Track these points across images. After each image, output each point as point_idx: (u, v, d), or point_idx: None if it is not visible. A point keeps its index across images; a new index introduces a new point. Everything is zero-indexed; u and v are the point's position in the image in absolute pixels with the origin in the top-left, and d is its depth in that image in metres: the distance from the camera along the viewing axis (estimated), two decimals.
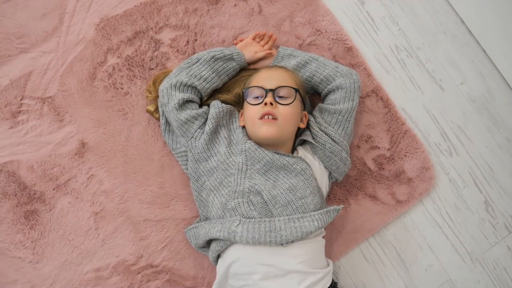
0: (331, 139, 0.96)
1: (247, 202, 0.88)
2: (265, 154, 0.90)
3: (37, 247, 0.99)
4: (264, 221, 0.86)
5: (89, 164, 1.02)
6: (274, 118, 0.89)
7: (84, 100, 1.05)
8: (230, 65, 1.02)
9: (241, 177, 0.90)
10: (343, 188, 1.06)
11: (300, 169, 0.90)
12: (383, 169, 1.07)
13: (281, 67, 1.00)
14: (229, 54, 1.00)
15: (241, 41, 1.06)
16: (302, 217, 0.87)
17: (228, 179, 0.92)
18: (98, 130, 1.04)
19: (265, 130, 0.88)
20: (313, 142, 0.95)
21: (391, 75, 1.14)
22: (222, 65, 1.00)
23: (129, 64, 1.07)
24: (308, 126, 0.98)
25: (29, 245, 0.99)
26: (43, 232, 0.99)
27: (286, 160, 0.90)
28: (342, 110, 0.97)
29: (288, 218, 0.86)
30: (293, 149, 0.99)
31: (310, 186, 0.90)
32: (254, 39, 1.04)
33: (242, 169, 0.91)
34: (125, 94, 1.06)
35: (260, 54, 1.03)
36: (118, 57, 1.07)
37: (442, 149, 1.12)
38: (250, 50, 1.04)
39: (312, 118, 0.98)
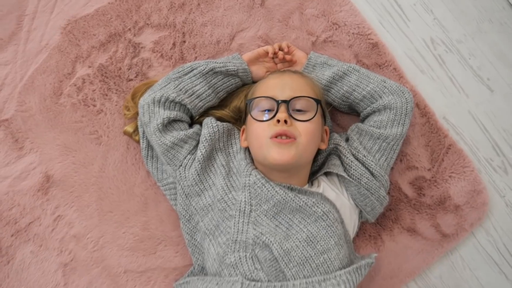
0: (370, 171, 0.71)
1: (251, 257, 0.64)
2: (276, 191, 0.66)
3: None
4: (274, 286, 0.61)
5: (55, 202, 0.80)
6: (291, 138, 0.65)
7: (48, 122, 0.82)
8: (232, 81, 0.77)
9: (243, 221, 0.67)
10: (374, 221, 0.82)
11: (322, 212, 0.65)
12: (424, 195, 0.83)
13: (295, 71, 0.75)
14: (234, 71, 0.76)
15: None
16: (324, 279, 0.62)
17: (227, 223, 0.68)
18: (65, 159, 0.81)
19: (278, 153, 0.64)
20: (345, 176, 0.70)
21: (428, 76, 0.90)
22: (221, 79, 0.76)
23: (102, 75, 0.84)
24: (337, 152, 0.73)
25: None
26: None
27: (303, 201, 0.66)
28: (388, 136, 0.72)
29: (305, 282, 0.61)
30: (314, 179, 0.74)
31: (334, 235, 0.65)
32: (274, 51, 0.79)
33: (244, 210, 0.67)
34: (98, 112, 0.83)
35: None
36: (89, 66, 0.84)
37: (495, 165, 0.87)
38: (260, 68, 0.80)
39: (343, 143, 0.73)
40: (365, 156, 0.72)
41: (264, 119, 0.67)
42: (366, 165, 0.72)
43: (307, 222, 0.66)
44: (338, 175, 0.74)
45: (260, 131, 0.67)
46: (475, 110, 0.89)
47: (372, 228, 0.81)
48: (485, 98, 0.89)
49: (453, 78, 0.90)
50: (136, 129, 0.79)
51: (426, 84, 0.89)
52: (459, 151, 0.84)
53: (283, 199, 0.65)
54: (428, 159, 0.84)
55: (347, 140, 0.77)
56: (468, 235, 0.83)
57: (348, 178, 0.71)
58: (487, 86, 0.90)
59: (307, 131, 0.66)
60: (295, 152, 0.64)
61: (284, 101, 0.67)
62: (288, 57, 0.80)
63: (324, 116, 0.74)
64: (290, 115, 0.66)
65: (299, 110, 0.68)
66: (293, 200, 0.65)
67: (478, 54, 0.91)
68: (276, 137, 0.65)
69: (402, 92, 0.75)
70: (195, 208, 0.73)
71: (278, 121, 0.65)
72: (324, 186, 0.72)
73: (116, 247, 0.78)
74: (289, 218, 0.66)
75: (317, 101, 0.68)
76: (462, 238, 0.82)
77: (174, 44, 0.85)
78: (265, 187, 0.66)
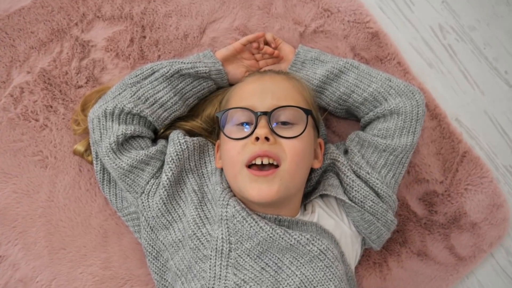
0: (374, 191, 0.58)
1: None
2: (260, 227, 0.52)
3: None
4: None
5: None
6: (274, 165, 0.51)
7: None
8: (203, 85, 0.62)
9: (221, 264, 0.53)
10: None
11: (318, 251, 0.52)
12: (435, 212, 0.70)
13: (278, 72, 0.61)
14: (205, 72, 0.61)
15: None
16: None
17: (201, 265, 0.54)
18: (4, 188, 0.65)
19: (257, 190, 0.50)
20: (346, 200, 0.57)
21: (436, 70, 0.75)
22: (190, 83, 0.61)
23: (45, 82, 0.68)
24: (335, 169, 0.59)
25: None
26: None
27: (295, 239, 0.52)
28: (396, 148, 0.59)
29: None
30: (307, 202, 0.60)
31: (334, 277, 0.52)
32: (251, 44, 0.65)
33: (222, 250, 0.53)
34: (41, 128, 0.67)
35: None
36: (28, 72, 0.68)
37: None
38: (237, 67, 0.65)
39: (341, 158, 0.59)
40: (368, 173, 0.58)
41: (240, 136, 0.52)
42: (370, 184, 0.59)
43: (300, 263, 0.52)
44: (336, 198, 0.60)
45: (233, 153, 0.52)
46: (492, 109, 0.75)
47: (377, 254, 0.68)
48: (503, 95, 0.76)
49: (465, 72, 0.76)
50: (88, 148, 0.64)
51: (435, 80, 0.74)
52: (475, 159, 0.71)
53: (270, 237, 0.52)
54: (440, 170, 0.70)
55: (345, 152, 0.63)
56: (487, 257, 0.71)
57: (349, 202, 0.57)
58: (505, 81, 0.76)
59: (294, 151, 0.51)
60: (279, 186, 0.50)
61: (265, 113, 0.52)
62: (276, 52, 0.65)
63: (317, 127, 0.59)
64: (273, 131, 0.52)
65: (284, 123, 0.53)
66: (282, 238, 0.52)
67: (494, 43, 0.76)
68: (254, 159, 0.51)
69: (412, 93, 0.61)
70: (163, 244, 0.59)
71: (257, 138, 0.51)
72: (320, 213, 0.58)
73: None
74: (278, 259, 0.53)
75: (307, 112, 0.54)
76: (480, 260, 0.70)
77: (131, 40, 0.69)
78: (246, 221, 0.52)
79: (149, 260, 0.61)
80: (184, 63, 0.61)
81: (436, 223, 0.69)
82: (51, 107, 0.67)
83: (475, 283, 0.71)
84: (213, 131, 0.64)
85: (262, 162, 0.51)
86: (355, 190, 0.58)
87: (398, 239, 0.69)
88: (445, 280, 0.69)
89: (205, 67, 0.61)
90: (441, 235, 0.69)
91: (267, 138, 0.51)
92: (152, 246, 0.60)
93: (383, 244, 0.63)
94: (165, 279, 0.60)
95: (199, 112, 0.65)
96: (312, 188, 0.63)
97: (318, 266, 0.52)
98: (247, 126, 0.54)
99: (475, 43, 0.76)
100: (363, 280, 0.68)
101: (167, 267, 0.60)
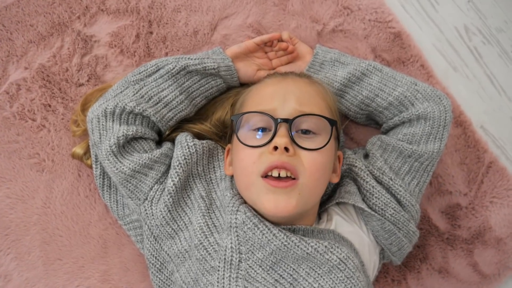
0: (396, 199, 0.54)
1: None
2: (273, 235, 0.47)
3: None
4: None
5: None
6: (292, 178, 0.47)
7: None
8: (211, 83, 0.58)
9: (230, 276, 0.48)
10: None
11: (338, 260, 0.47)
12: (459, 226, 0.65)
13: (300, 75, 0.56)
14: (214, 68, 0.56)
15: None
16: None
17: (208, 277, 0.49)
18: None
19: (273, 203, 0.46)
20: (365, 208, 0.52)
21: (461, 74, 0.71)
22: (198, 81, 0.57)
23: (43, 79, 0.63)
24: (352, 175, 0.55)
25: None
26: None
27: (311, 247, 0.47)
28: (423, 154, 0.55)
29: None
30: (322, 210, 0.56)
31: None
32: (265, 44, 0.61)
33: (231, 260, 0.48)
34: (38, 129, 0.62)
35: (263, 74, 0.60)
36: (26, 68, 0.63)
37: None
38: (249, 64, 0.61)
39: (359, 163, 0.54)
40: (391, 180, 0.54)
41: (256, 144, 0.48)
42: (393, 191, 0.54)
43: (318, 274, 0.48)
44: (355, 206, 0.56)
45: (248, 162, 0.48)
46: None
47: (395, 270, 0.64)
48: None
49: (492, 76, 0.71)
50: (88, 151, 0.60)
51: (459, 85, 0.70)
52: (501, 170, 0.66)
53: (284, 245, 0.47)
54: (464, 181, 0.66)
55: (365, 156, 0.58)
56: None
57: (369, 210, 0.53)
58: None
59: (315, 165, 0.47)
60: (297, 200, 0.46)
61: (285, 120, 0.47)
62: (291, 47, 0.61)
63: (338, 138, 0.55)
64: (293, 141, 0.47)
65: (305, 131, 0.49)
66: (297, 247, 0.47)
67: None
68: (271, 170, 0.46)
69: (439, 98, 0.56)
70: (168, 254, 0.54)
71: (276, 148, 0.46)
72: (337, 220, 0.54)
73: None
74: (293, 270, 0.48)
75: (332, 123, 0.49)
76: (504, 278, 0.65)
77: (137, 36, 0.64)
78: (258, 228, 0.47)
79: (152, 272, 0.56)
80: (191, 59, 0.56)
81: (459, 238, 0.65)
82: (50, 106, 0.62)
83: None
84: (223, 136, 0.60)
85: (279, 174, 0.46)
86: (376, 197, 0.53)
87: (418, 254, 0.64)
88: None
89: (214, 63, 0.57)
90: (464, 251, 0.65)
91: (286, 149, 0.46)
92: (155, 257, 0.55)
93: (403, 258, 0.59)
94: None
95: (209, 115, 0.60)
96: (328, 196, 0.58)
97: (337, 277, 0.47)
98: (260, 133, 0.49)
99: (502, 46, 0.72)
100: None
101: (171, 280, 0.55)
